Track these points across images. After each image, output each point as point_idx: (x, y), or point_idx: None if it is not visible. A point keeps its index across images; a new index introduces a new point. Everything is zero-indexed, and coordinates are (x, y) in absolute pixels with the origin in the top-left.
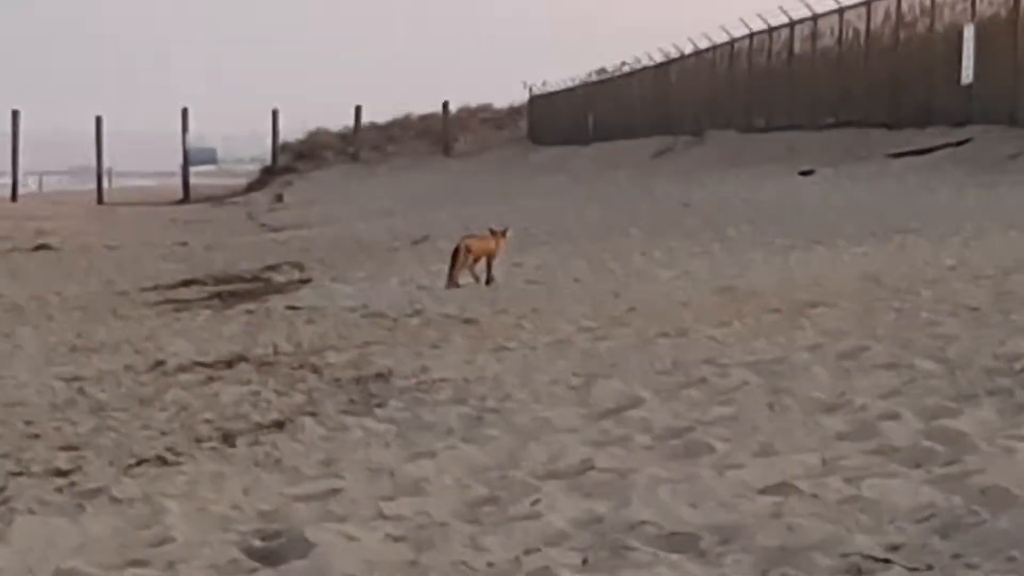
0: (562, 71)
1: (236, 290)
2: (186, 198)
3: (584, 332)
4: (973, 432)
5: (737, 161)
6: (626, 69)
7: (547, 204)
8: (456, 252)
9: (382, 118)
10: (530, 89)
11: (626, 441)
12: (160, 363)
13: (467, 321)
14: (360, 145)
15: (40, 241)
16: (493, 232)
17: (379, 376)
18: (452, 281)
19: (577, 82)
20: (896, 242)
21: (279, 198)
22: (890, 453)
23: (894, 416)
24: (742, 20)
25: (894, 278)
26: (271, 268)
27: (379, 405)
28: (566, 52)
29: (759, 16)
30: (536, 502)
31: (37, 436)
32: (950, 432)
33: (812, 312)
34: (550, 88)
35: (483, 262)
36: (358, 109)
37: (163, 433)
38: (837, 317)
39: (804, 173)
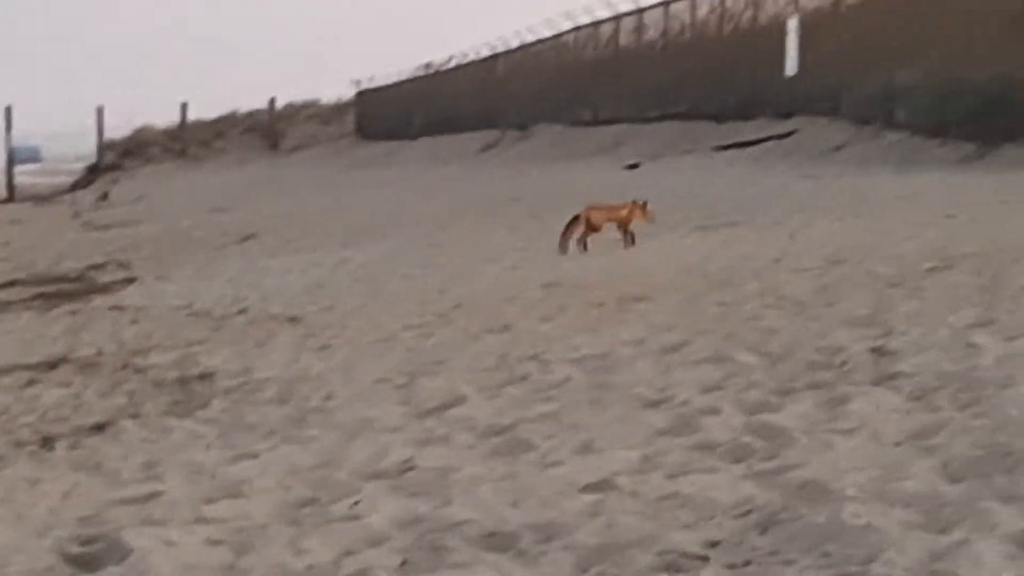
0: (391, 66)
1: (59, 290)
2: (10, 198)
3: (410, 329)
4: (793, 426)
5: (564, 155)
6: (452, 64)
7: (375, 199)
8: (574, 219)
9: (210, 114)
10: (358, 84)
11: (449, 439)
12: None
13: (292, 319)
14: (187, 142)
15: None
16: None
17: (202, 376)
18: (562, 246)
19: (404, 77)
20: (722, 234)
21: (104, 196)
22: (711, 448)
23: (715, 411)
24: (567, 14)
25: (719, 271)
26: (96, 267)
27: (202, 406)
28: (395, 47)
29: (585, 10)
30: (357, 503)
31: None
32: (770, 426)
33: (637, 306)
34: (378, 83)
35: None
36: (184, 106)
37: None
38: (661, 310)
39: (630, 166)
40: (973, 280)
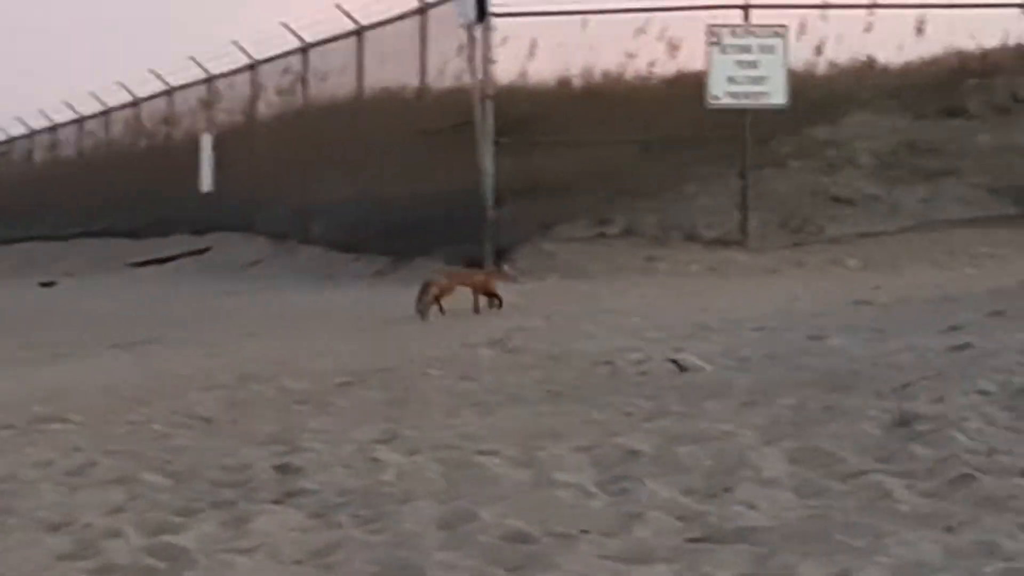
0: None
1: None
2: None
3: None
4: (194, 547)
5: None
6: None
7: None
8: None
9: None
10: None
11: None
12: None
13: None
14: None
15: None
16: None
17: None
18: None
19: None
20: (137, 353)
21: None
22: (111, 572)
23: (118, 533)
24: None
25: (133, 389)
26: None
27: None
28: None
29: None
30: None
31: None
32: (172, 547)
33: (47, 427)
34: None
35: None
36: None
37: None
38: (72, 431)
39: (45, 284)
40: (382, 395)
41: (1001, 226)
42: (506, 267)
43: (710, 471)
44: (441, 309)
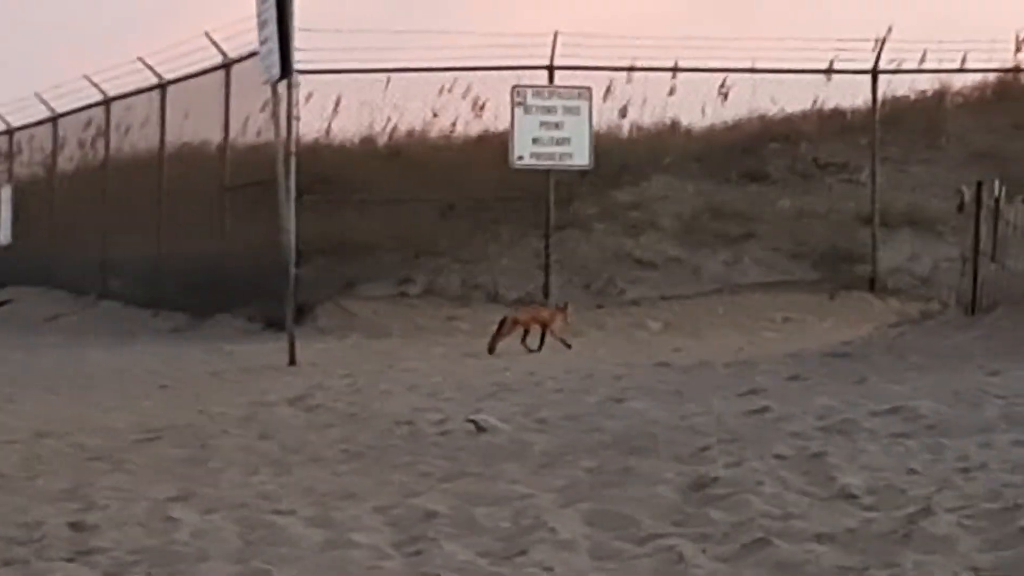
0: None
1: None
2: None
3: None
4: None
5: None
6: None
7: None
8: (503, 322)
9: None
10: None
11: None
12: None
13: None
14: None
15: None
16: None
17: None
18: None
19: None
20: None
21: None
22: None
23: None
24: None
25: None
26: None
27: None
28: None
29: None
30: None
31: None
32: None
33: None
34: None
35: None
36: None
37: None
38: None
39: None
40: (179, 452)
41: (801, 290)
42: (569, 307)
43: (507, 533)
44: (524, 343)
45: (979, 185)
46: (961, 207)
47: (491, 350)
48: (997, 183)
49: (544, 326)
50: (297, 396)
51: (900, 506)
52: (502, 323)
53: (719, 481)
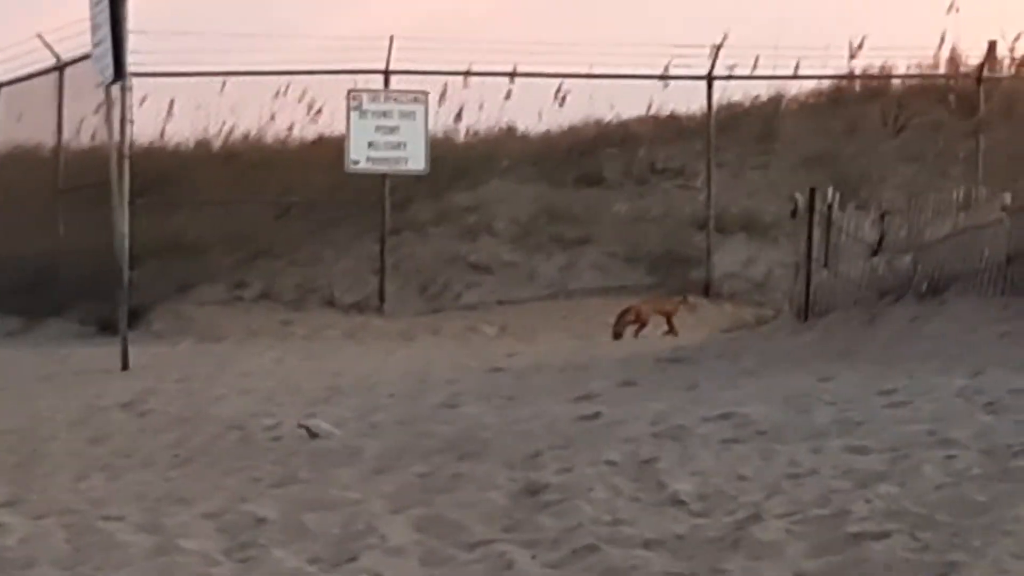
0: None
1: None
2: None
3: None
4: None
5: None
6: None
7: None
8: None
9: None
10: None
11: None
12: None
13: None
14: None
15: None
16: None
17: None
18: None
19: None
20: None
21: None
22: None
23: None
24: None
25: None
26: None
27: None
28: None
29: None
30: None
31: None
32: None
33: None
34: None
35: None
36: None
37: None
38: None
39: None
40: (8, 457)
41: (636, 295)
42: (690, 298)
43: (337, 539)
44: (637, 332)
45: (812, 192)
46: (795, 213)
47: (618, 336)
48: (831, 190)
49: (668, 316)
50: (130, 400)
51: (729, 512)
52: (626, 311)
53: (550, 487)
